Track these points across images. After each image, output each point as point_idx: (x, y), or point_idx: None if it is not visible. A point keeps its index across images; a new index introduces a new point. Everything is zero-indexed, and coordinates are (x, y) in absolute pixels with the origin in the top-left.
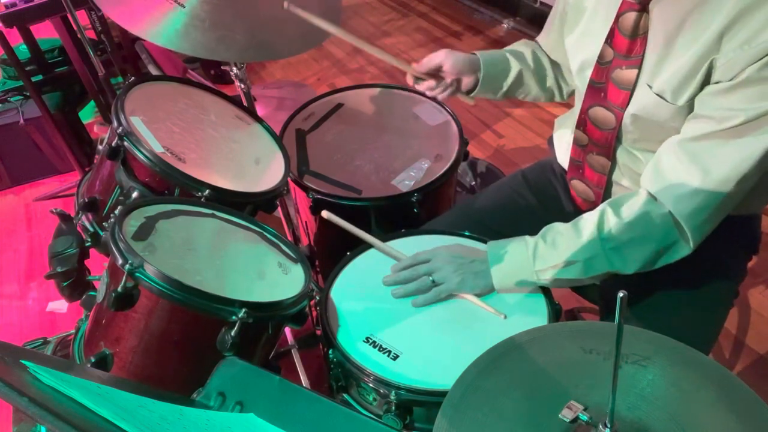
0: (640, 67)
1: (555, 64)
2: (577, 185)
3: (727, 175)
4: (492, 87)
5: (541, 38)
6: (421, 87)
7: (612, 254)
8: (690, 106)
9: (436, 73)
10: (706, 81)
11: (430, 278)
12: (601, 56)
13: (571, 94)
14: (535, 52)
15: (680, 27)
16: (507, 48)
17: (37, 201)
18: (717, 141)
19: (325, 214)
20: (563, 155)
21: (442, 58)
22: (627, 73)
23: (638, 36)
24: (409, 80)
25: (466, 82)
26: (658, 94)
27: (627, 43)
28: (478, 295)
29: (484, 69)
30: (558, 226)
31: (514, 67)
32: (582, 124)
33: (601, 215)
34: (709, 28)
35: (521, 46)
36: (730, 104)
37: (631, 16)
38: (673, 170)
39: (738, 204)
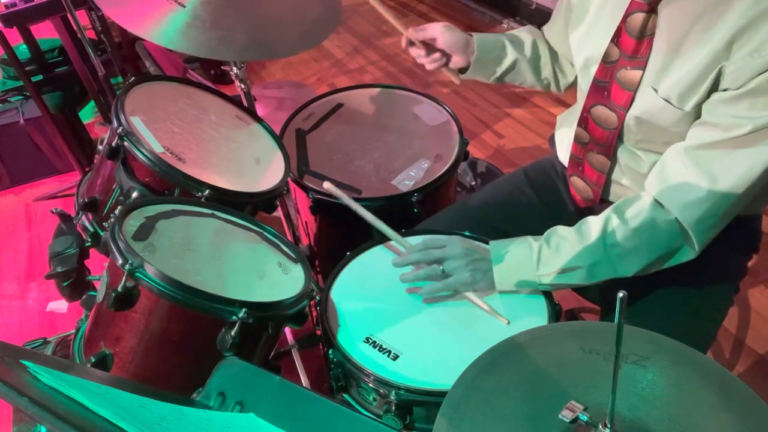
0: (644, 69)
1: (554, 56)
2: (576, 182)
3: (734, 183)
4: (484, 71)
5: (546, 30)
6: (412, 52)
7: (616, 260)
8: (696, 112)
9: (429, 43)
10: (714, 88)
11: (441, 267)
12: (606, 55)
13: (569, 87)
14: (535, 41)
15: (689, 31)
16: (508, 33)
17: (37, 201)
18: (724, 149)
19: (326, 185)
20: (564, 153)
21: (437, 31)
22: (631, 74)
23: (645, 37)
24: (403, 42)
25: (456, 60)
26: (664, 99)
27: (633, 43)
28: (480, 295)
29: (477, 53)
30: (561, 231)
31: (510, 55)
32: (584, 121)
33: (606, 221)
34: (718, 35)
35: (524, 33)
36: (737, 112)
37: (639, 17)
38: (680, 177)
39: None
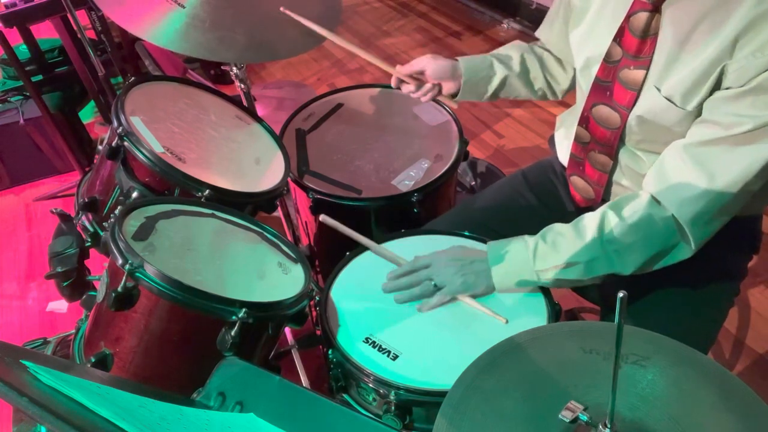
0: (648, 68)
1: (545, 67)
2: (576, 182)
3: (732, 180)
4: (475, 92)
5: (542, 32)
6: (403, 89)
7: (614, 256)
8: (698, 112)
9: (418, 77)
10: (717, 86)
11: (433, 282)
12: (608, 54)
13: (566, 93)
14: (523, 56)
15: (693, 30)
16: (495, 51)
17: (37, 201)
18: (724, 147)
19: (322, 218)
20: (564, 153)
21: (424, 63)
22: (635, 74)
23: (648, 36)
24: (393, 81)
25: (448, 87)
26: (667, 98)
27: (637, 42)
28: (479, 296)
29: (465, 76)
30: (558, 227)
31: (499, 73)
32: (585, 121)
33: (602, 217)
34: (722, 34)
35: (511, 49)
36: (738, 110)
37: (642, 17)
38: (678, 174)
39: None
